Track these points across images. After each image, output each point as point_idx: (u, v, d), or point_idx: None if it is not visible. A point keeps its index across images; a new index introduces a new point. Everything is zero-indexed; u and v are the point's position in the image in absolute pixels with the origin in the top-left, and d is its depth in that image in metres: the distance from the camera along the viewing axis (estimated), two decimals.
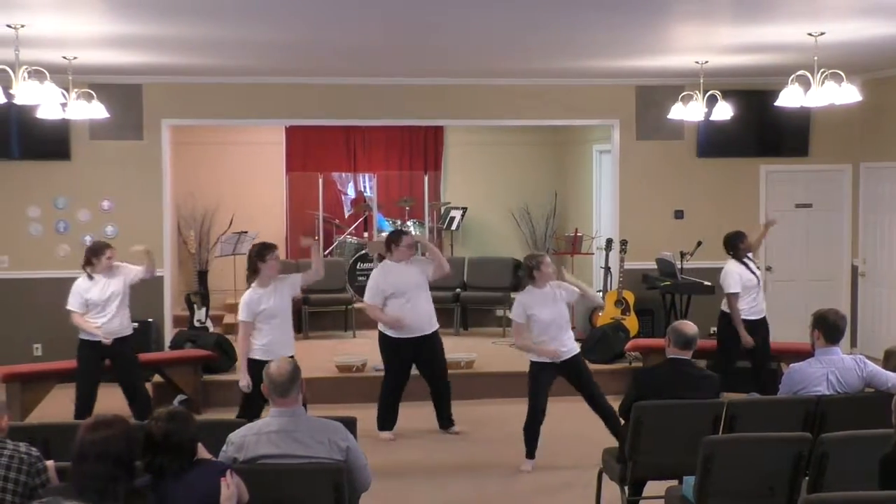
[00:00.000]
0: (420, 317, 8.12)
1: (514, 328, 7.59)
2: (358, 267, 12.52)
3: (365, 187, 15.04)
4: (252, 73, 10.31)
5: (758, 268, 8.76)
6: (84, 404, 7.97)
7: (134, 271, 8.15)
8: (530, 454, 7.47)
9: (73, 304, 8.02)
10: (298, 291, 7.64)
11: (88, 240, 9.67)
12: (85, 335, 8.04)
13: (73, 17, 6.90)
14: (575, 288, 7.46)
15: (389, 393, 8.29)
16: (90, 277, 8.03)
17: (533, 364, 7.44)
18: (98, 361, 8.13)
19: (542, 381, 7.40)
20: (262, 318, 7.14)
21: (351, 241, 13.68)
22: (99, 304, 7.99)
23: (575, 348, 7.49)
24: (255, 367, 6.80)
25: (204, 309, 11.10)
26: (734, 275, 8.44)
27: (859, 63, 9.52)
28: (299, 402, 4.52)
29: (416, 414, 8.57)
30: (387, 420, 8.28)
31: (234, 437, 4.48)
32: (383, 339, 8.23)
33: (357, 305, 11.54)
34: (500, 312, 12.11)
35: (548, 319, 7.29)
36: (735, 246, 8.54)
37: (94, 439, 3.72)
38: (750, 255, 8.66)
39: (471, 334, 11.97)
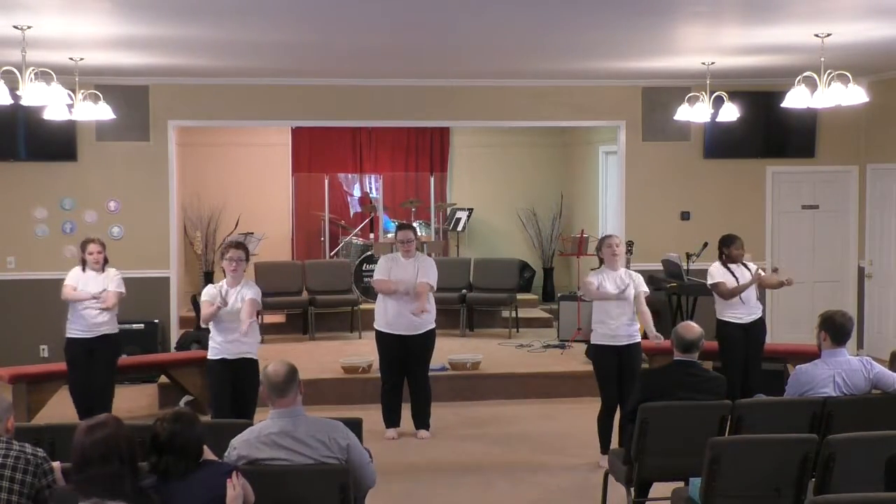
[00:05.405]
0: (412, 316, 8.10)
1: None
2: (364, 268, 12.53)
3: (371, 188, 15.04)
4: (258, 74, 10.31)
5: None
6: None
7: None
8: (603, 449, 7.42)
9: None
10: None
11: None
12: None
13: (79, 19, 6.91)
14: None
15: (386, 390, 8.34)
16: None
17: (595, 350, 7.57)
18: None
19: (605, 367, 7.47)
20: None
21: (357, 242, 13.67)
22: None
23: (637, 336, 7.60)
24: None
25: None
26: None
27: (866, 64, 9.50)
28: (298, 402, 4.53)
29: None
30: (388, 418, 8.31)
31: (236, 441, 4.48)
32: (377, 335, 8.29)
33: (363, 307, 11.54)
34: (506, 313, 12.10)
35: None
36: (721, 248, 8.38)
37: (95, 440, 3.72)
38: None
39: (476, 335, 11.94)
